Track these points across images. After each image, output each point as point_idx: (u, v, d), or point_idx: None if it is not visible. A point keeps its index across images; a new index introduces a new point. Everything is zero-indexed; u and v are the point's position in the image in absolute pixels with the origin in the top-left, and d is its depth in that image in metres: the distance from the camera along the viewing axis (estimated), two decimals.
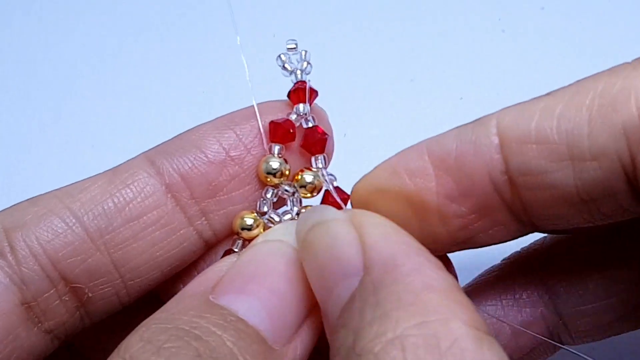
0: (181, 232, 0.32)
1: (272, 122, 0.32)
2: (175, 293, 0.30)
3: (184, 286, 0.32)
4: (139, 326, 0.26)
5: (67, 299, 0.31)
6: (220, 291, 0.28)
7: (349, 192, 0.33)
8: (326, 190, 0.33)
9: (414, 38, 0.53)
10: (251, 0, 0.54)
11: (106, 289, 0.31)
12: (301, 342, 0.28)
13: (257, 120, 0.32)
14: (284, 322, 0.28)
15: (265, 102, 0.33)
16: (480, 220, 0.30)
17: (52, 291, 0.30)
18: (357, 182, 0.31)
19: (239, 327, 0.27)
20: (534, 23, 0.54)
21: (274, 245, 0.30)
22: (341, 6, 0.54)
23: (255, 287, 0.28)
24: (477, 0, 0.55)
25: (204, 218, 0.32)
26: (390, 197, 0.30)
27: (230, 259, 0.30)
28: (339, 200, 0.33)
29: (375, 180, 0.31)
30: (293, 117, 0.33)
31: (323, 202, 0.33)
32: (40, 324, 0.31)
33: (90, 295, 0.31)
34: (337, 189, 0.33)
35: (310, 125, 0.33)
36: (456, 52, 0.53)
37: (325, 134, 0.33)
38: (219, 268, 0.30)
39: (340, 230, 0.27)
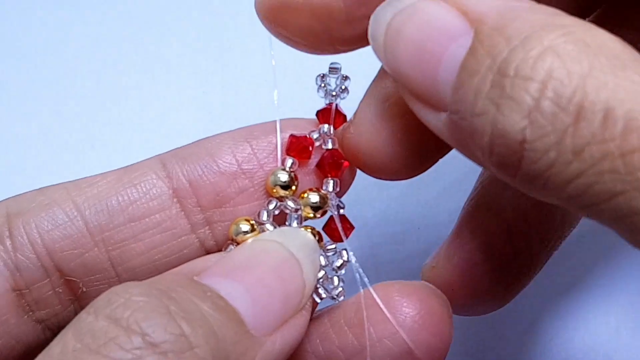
0: (183, 238, 0.31)
1: (291, 136, 0.32)
2: None
3: None
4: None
5: (60, 290, 0.31)
6: (205, 274, 0.28)
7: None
8: (330, 216, 0.32)
9: None
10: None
11: (101, 286, 0.31)
12: (282, 339, 0.28)
13: (276, 136, 0.32)
14: (268, 313, 0.27)
15: (290, 118, 0.32)
16: None
17: (46, 281, 0.30)
18: None
19: (218, 303, 0.26)
20: None
21: (268, 243, 0.29)
22: None
23: (243, 274, 0.28)
24: None
25: (207, 227, 0.31)
26: (295, 12, 0.29)
27: (220, 254, 0.30)
28: (340, 230, 0.32)
29: None
30: (315, 135, 0.32)
31: (325, 227, 0.32)
32: (31, 313, 0.30)
33: (84, 290, 0.31)
34: (343, 217, 0.32)
35: (330, 147, 0.32)
36: None
37: (343, 158, 0.32)
38: (207, 258, 0.30)
39: (426, 3, 0.26)
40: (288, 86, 0.33)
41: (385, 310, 0.30)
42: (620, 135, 0.21)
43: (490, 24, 0.24)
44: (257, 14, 0.31)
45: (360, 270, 0.31)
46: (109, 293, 0.25)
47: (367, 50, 0.29)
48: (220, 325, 0.25)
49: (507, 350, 0.45)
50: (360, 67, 0.33)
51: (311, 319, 0.32)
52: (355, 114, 0.32)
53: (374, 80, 0.32)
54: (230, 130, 0.32)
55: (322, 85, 0.33)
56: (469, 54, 0.24)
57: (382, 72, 0.32)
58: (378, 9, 0.28)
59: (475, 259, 0.34)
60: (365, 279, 0.31)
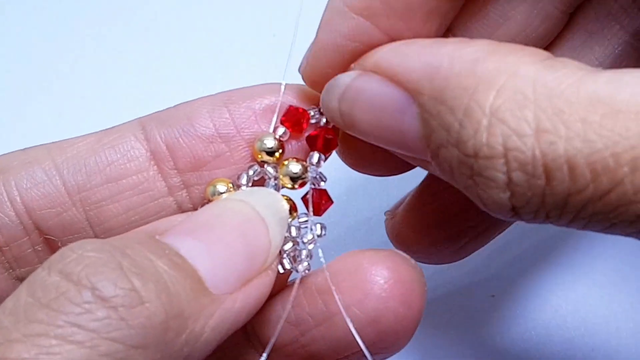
0: (160, 200, 0.31)
1: (291, 106, 0.31)
2: None
3: None
4: None
5: (40, 249, 0.31)
6: (168, 233, 0.28)
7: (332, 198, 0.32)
8: (311, 189, 0.32)
9: None
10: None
11: None
12: (243, 297, 0.27)
13: (254, 101, 0.32)
14: (228, 272, 0.27)
15: (294, 84, 0.32)
16: None
17: (25, 239, 0.31)
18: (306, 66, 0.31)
19: (175, 261, 0.26)
20: None
21: (234, 203, 0.29)
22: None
23: (204, 233, 0.28)
24: None
25: (184, 190, 0.32)
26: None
27: (186, 214, 0.30)
28: (310, 206, 0.32)
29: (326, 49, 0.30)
30: (312, 112, 0.32)
31: (303, 198, 0.32)
32: (11, 270, 0.31)
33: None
34: (322, 191, 0.32)
35: (322, 124, 0.32)
36: None
37: (335, 136, 0.32)
38: (174, 218, 0.30)
39: (364, 81, 0.27)
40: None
41: (334, 290, 0.30)
42: (591, 182, 0.22)
43: (427, 93, 0.25)
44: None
45: (320, 250, 0.31)
46: (64, 249, 0.25)
47: None
48: (175, 282, 0.25)
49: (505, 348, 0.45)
50: None
51: (285, 285, 0.32)
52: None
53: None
54: (210, 95, 0.32)
55: None
56: (424, 126, 0.26)
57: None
58: (323, 95, 0.30)
59: (430, 222, 0.35)
60: (322, 259, 0.31)
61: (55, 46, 0.53)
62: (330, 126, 0.32)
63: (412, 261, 0.32)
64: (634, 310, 0.45)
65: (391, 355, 0.32)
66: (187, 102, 0.32)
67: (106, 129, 0.32)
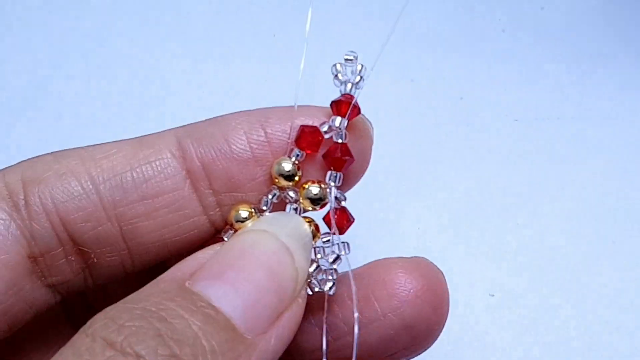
0: (194, 219, 0.31)
1: (302, 126, 0.31)
2: None
3: None
4: (110, 306, 0.27)
5: (73, 259, 0.31)
6: (196, 277, 0.28)
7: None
8: (333, 209, 0.32)
9: (413, 38, 0.53)
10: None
11: (112, 258, 0.31)
12: (277, 336, 0.28)
13: (290, 124, 0.32)
14: (260, 312, 0.28)
15: (304, 105, 0.32)
16: None
17: (59, 250, 0.31)
18: None
19: (208, 313, 0.26)
20: (534, 23, 0.54)
21: (258, 235, 0.30)
22: (342, 5, 0.55)
23: (232, 274, 0.28)
24: (478, 0, 0.55)
25: (218, 209, 0.32)
26: None
27: (213, 248, 0.30)
28: (333, 224, 0.32)
29: None
30: (325, 127, 0.32)
31: (325, 218, 0.32)
32: (44, 278, 0.31)
33: (95, 260, 0.31)
34: (343, 210, 0.32)
35: (340, 141, 0.32)
36: (456, 52, 0.53)
37: (350, 155, 0.32)
38: (201, 256, 0.30)
39: None
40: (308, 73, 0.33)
41: (355, 299, 0.32)
42: None
43: None
44: None
45: (350, 267, 0.32)
46: (103, 317, 0.26)
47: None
48: (210, 337, 0.26)
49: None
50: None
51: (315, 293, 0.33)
52: None
53: None
54: (246, 111, 0.32)
55: (337, 74, 0.32)
56: None
57: None
58: None
59: None
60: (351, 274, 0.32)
61: (84, 48, 0.53)
62: (345, 140, 0.32)
63: (436, 267, 0.33)
64: (634, 308, 0.47)
65: (419, 354, 0.33)
66: (223, 116, 0.32)
67: (139, 139, 0.32)
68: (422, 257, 0.33)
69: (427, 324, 0.32)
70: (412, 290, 0.32)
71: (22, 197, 0.31)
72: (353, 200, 0.34)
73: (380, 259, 0.34)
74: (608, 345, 0.45)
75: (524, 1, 0.55)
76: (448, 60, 0.53)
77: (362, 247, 0.45)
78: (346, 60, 0.32)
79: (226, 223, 0.32)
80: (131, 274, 0.33)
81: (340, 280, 0.32)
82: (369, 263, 0.34)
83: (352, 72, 0.32)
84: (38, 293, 0.31)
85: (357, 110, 0.32)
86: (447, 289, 0.33)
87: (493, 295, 0.46)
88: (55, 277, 0.31)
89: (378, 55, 0.33)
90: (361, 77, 0.32)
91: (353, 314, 0.32)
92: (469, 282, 0.47)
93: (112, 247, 0.31)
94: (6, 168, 0.31)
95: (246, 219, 0.31)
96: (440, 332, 0.33)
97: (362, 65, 0.32)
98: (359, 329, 0.32)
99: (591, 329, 0.46)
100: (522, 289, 0.46)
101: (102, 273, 0.32)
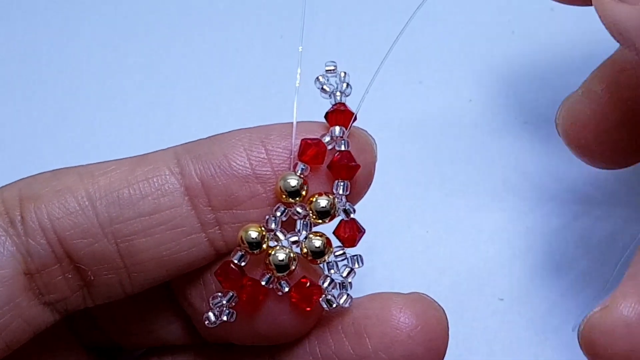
0: (192, 236, 0.31)
1: (303, 140, 0.31)
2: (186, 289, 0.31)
3: (189, 288, 0.33)
4: None
5: (70, 276, 0.31)
6: None
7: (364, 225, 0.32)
8: (341, 220, 0.32)
9: (422, 39, 0.53)
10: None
11: (110, 276, 0.31)
12: None
13: (291, 140, 0.31)
14: None
15: (303, 121, 0.32)
16: None
17: (56, 266, 0.31)
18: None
19: None
20: (544, 24, 0.53)
21: None
22: (347, 6, 0.54)
23: None
24: (487, 1, 0.54)
25: (217, 227, 0.31)
26: None
27: None
28: (345, 237, 0.32)
29: None
30: (327, 139, 0.32)
31: (336, 232, 0.32)
32: (41, 296, 0.31)
33: (92, 278, 0.31)
34: (352, 221, 0.32)
35: (342, 148, 0.32)
36: (465, 54, 0.53)
37: (354, 162, 0.32)
38: None
39: None
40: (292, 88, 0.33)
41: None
42: None
43: None
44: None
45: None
46: None
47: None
48: None
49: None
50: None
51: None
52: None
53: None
54: (247, 128, 0.32)
55: (323, 87, 0.32)
56: None
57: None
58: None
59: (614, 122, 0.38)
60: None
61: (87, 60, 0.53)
62: (348, 148, 0.32)
63: (437, 304, 0.33)
64: None
65: None
66: (223, 134, 0.32)
67: (139, 157, 0.32)
68: (421, 294, 0.33)
69: None
70: (404, 329, 0.32)
71: (19, 213, 0.30)
72: (360, 206, 0.33)
73: (378, 293, 0.34)
74: None
75: (534, 2, 0.54)
76: (457, 62, 0.53)
77: (370, 254, 0.44)
78: (327, 71, 0.33)
79: (235, 241, 0.32)
80: (131, 294, 0.32)
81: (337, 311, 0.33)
82: (368, 295, 0.34)
83: (336, 82, 0.33)
84: (35, 310, 0.31)
85: (350, 114, 0.32)
86: (445, 327, 0.33)
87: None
88: (52, 295, 0.31)
89: (384, 57, 0.33)
90: (347, 84, 0.32)
91: (346, 349, 0.32)
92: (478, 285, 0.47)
93: (109, 265, 0.31)
94: (4, 186, 0.31)
95: (256, 239, 0.31)
96: None
97: (345, 72, 0.33)
98: None
99: None
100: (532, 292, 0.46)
101: (100, 292, 0.32)
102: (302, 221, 0.32)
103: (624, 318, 0.32)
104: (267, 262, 0.31)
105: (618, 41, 0.32)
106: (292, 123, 0.32)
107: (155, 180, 0.31)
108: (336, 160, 0.32)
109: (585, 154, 0.40)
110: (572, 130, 0.40)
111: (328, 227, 0.32)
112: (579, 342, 0.34)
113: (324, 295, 0.32)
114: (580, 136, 0.39)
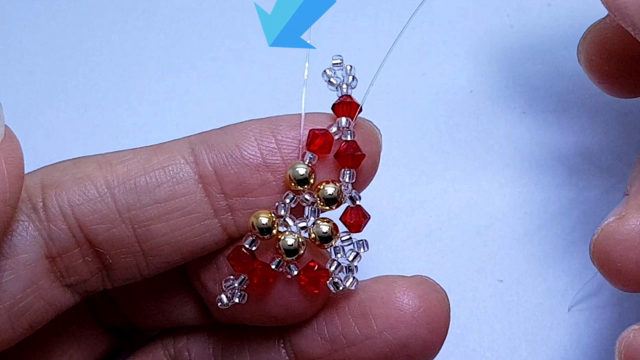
0: (205, 222, 0.32)
1: (311, 131, 0.32)
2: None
3: (203, 272, 0.34)
4: None
5: (89, 259, 0.32)
6: None
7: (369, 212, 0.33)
8: (347, 207, 0.33)
9: (425, 34, 0.53)
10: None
11: (127, 259, 0.32)
12: None
13: (300, 130, 0.32)
14: None
15: (311, 113, 0.33)
16: None
17: (76, 250, 0.32)
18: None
19: None
20: (542, 19, 0.54)
21: None
22: (351, 3, 0.54)
23: None
24: None
25: (229, 213, 0.32)
26: None
27: None
28: (351, 223, 0.33)
29: None
30: (334, 129, 0.33)
31: (342, 218, 0.33)
32: (62, 278, 0.32)
33: (111, 261, 0.32)
34: (358, 208, 0.33)
35: (349, 138, 0.33)
36: (466, 47, 0.53)
37: (360, 151, 0.32)
38: None
39: None
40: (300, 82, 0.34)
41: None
42: None
43: None
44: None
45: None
46: None
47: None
48: None
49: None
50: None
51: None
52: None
53: None
54: (258, 119, 0.33)
55: (330, 79, 0.33)
56: None
57: None
58: None
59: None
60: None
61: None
62: (354, 138, 0.33)
63: (439, 286, 0.34)
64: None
65: None
66: (235, 125, 0.33)
67: (155, 146, 0.33)
68: (424, 277, 0.34)
69: (423, 344, 0.33)
70: (408, 311, 0.33)
71: (41, 200, 0.31)
72: (365, 194, 0.34)
73: (383, 276, 0.35)
74: None
75: None
76: (458, 55, 0.53)
77: (376, 238, 0.45)
78: (334, 64, 0.33)
79: (247, 226, 0.33)
80: (147, 277, 0.34)
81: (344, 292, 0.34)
82: (373, 278, 0.35)
83: (343, 75, 0.33)
84: (57, 292, 0.32)
85: (356, 106, 0.33)
86: (447, 308, 0.34)
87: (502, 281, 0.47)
88: (73, 277, 0.32)
89: (389, 51, 0.34)
90: (353, 77, 0.33)
91: (352, 329, 0.33)
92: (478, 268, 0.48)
93: (126, 249, 0.32)
94: (27, 173, 0.32)
95: (266, 225, 0.32)
96: (438, 351, 0.34)
97: (351, 66, 0.33)
98: (353, 343, 0.33)
99: None
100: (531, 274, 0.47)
101: (119, 275, 0.33)
102: (310, 208, 0.33)
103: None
104: (277, 246, 0.32)
105: (618, 21, 0.32)
106: (300, 114, 0.32)
107: (170, 168, 0.32)
108: (343, 150, 0.33)
109: (608, 81, 0.40)
110: (597, 57, 0.39)
111: (335, 214, 0.33)
112: (590, 254, 0.34)
113: (331, 278, 0.33)
114: (605, 63, 0.39)
